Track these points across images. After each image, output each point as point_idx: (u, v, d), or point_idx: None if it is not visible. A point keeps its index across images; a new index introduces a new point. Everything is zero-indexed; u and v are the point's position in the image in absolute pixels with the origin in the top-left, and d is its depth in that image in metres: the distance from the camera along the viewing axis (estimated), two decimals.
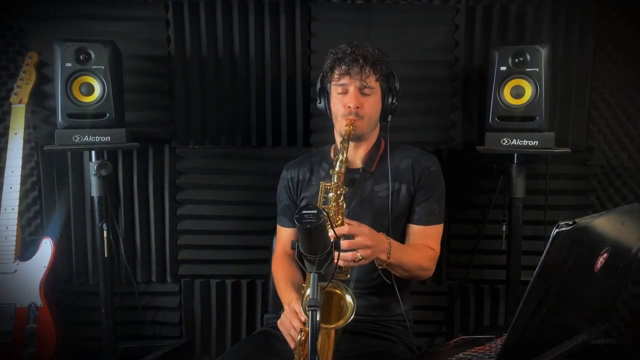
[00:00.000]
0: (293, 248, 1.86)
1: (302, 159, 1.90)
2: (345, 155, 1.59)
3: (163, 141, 2.36)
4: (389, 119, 1.78)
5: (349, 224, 1.49)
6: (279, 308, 1.71)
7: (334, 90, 1.73)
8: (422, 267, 1.71)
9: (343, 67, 1.67)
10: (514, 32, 2.26)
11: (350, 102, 1.67)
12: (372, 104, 1.71)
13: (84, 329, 2.40)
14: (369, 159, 1.78)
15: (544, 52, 1.96)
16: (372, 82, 1.68)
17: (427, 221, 1.75)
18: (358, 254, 1.46)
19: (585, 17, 2.23)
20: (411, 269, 1.67)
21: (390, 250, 1.56)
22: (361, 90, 1.68)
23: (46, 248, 2.22)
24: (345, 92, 1.69)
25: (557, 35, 2.24)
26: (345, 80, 1.68)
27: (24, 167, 2.23)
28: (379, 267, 1.60)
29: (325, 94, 1.77)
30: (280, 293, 1.76)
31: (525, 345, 1.16)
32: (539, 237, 2.26)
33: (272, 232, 1.95)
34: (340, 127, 1.71)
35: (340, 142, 1.63)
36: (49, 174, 2.35)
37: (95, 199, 2.16)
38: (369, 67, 1.66)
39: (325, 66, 1.74)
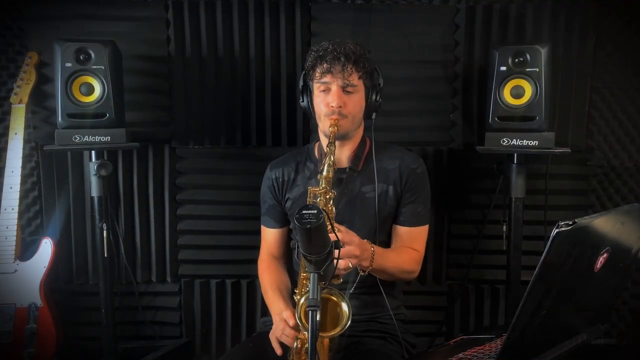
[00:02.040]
0: (293, 248, 1.86)
1: (286, 157, 1.87)
2: (332, 159, 1.57)
3: (163, 141, 2.36)
4: (374, 116, 1.75)
5: (339, 230, 1.46)
6: None
7: (316, 88, 1.69)
8: (405, 270, 1.71)
9: (325, 65, 1.63)
10: (514, 32, 2.26)
11: (333, 101, 1.64)
12: (356, 102, 1.68)
13: (84, 329, 2.40)
14: (355, 157, 1.75)
15: (544, 52, 1.96)
16: (355, 79, 1.65)
17: (413, 222, 1.75)
18: (349, 263, 1.45)
19: (585, 17, 2.23)
20: (394, 273, 1.67)
21: (373, 258, 1.55)
22: (344, 89, 1.64)
23: (46, 248, 2.22)
24: (327, 91, 1.66)
25: (557, 35, 2.24)
26: (327, 78, 1.64)
27: (24, 167, 2.23)
28: (361, 273, 1.58)
29: (307, 92, 1.74)
30: (269, 302, 1.73)
31: (525, 345, 1.16)
32: (539, 237, 2.26)
33: None
34: (324, 126, 1.68)
35: (327, 146, 1.60)
36: (49, 174, 2.35)
37: (95, 199, 2.16)
38: (351, 64, 1.63)
39: (307, 64, 1.71)
